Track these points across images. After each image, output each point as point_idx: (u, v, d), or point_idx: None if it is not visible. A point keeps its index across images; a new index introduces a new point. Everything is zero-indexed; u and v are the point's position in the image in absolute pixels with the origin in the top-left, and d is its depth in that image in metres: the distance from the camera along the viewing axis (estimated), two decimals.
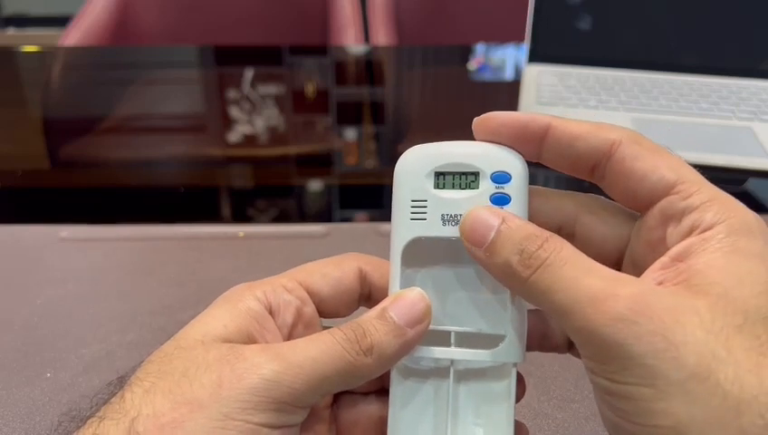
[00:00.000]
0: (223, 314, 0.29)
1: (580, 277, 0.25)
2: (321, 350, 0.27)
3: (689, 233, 0.25)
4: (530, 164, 0.30)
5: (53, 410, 0.45)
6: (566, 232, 0.30)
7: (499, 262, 0.27)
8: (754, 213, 0.26)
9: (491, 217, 0.28)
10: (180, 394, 0.26)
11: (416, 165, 0.30)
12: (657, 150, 0.27)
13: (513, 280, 0.27)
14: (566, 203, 0.30)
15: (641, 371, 0.23)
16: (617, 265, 0.29)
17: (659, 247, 0.27)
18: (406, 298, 0.29)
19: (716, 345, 0.22)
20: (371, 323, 0.28)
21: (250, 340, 0.29)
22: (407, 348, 0.29)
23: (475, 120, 0.30)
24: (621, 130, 0.28)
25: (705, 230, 0.25)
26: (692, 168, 0.27)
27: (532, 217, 0.29)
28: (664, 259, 0.26)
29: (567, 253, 0.26)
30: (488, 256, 0.27)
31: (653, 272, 0.25)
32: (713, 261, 0.24)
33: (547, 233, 0.27)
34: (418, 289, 0.30)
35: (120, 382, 0.28)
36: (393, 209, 0.31)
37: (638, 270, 0.27)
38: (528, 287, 0.26)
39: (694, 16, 0.91)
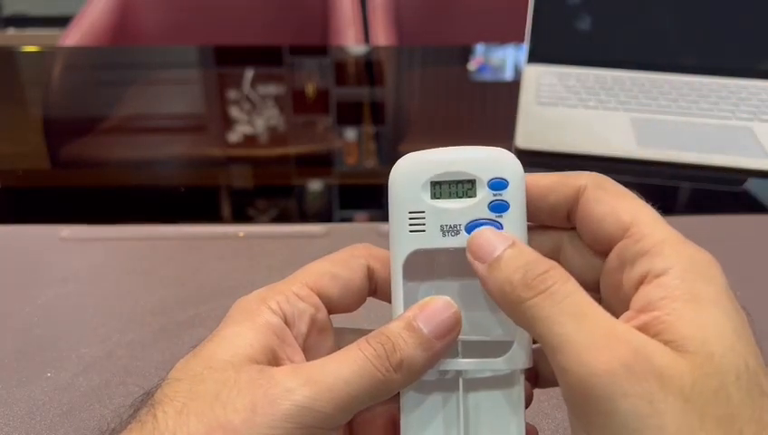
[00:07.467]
0: (246, 332, 0.29)
1: (581, 316, 0.25)
2: (353, 370, 0.27)
3: (642, 279, 0.26)
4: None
5: (53, 410, 0.45)
6: None
7: (500, 278, 0.27)
8: (704, 251, 0.26)
9: (501, 238, 0.28)
10: (214, 418, 0.26)
11: (411, 175, 0.29)
12: (618, 194, 0.28)
13: (511, 299, 0.26)
14: (547, 238, 0.31)
15: (622, 432, 0.23)
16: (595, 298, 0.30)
17: (620, 292, 0.27)
18: (434, 307, 0.29)
19: (693, 417, 0.22)
20: (400, 336, 0.28)
21: (274, 356, 0.29)
22: (435, 360, 0.29)
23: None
24: (588, 175, 0.29)
25: (657, 276, 0.25)
26: (651, 210, 0.28)
27: None
28: (629, 313, 0.26)
29: (571, 286, 0.26)
30: (490, 271, 0.27)
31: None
32: (677, 312, 0.24)
33: (553, 262, 0.27)
34: (446, 297, 0.29)
35: (145, 397, 0.28)
36: (391, 221, 0.30)
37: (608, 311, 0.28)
38: (525, 310, 0.26)
39: (693, 16, 0.91)
